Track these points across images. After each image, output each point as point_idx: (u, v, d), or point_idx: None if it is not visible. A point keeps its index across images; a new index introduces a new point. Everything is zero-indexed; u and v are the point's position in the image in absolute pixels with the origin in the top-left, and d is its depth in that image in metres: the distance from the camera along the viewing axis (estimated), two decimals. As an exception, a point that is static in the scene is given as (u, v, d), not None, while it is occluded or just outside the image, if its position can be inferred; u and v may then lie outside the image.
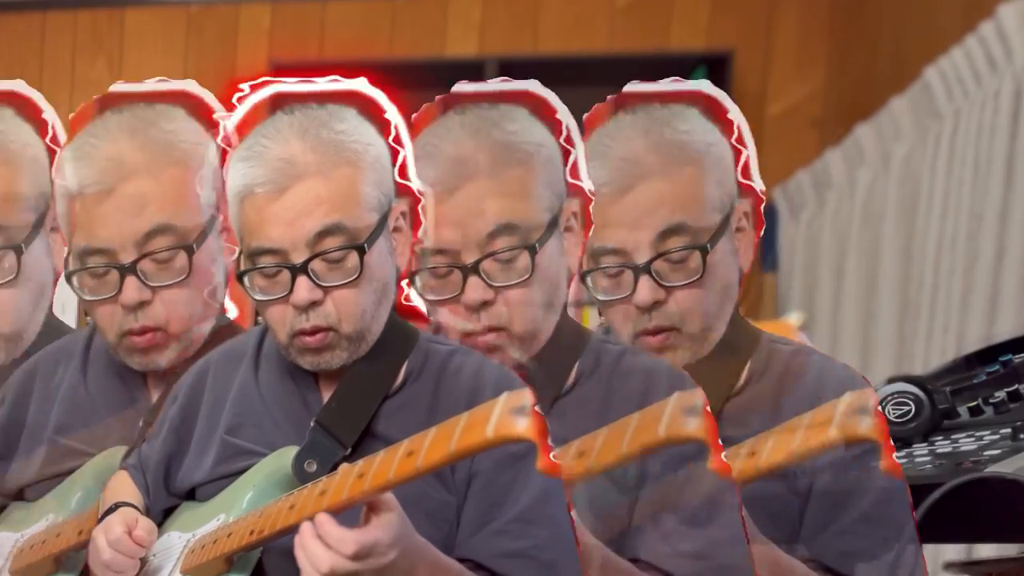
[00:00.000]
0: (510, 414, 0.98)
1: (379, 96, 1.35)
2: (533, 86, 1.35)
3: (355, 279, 1.26)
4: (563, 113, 1.33)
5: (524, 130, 1.30)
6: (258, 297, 1.30)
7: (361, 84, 1.34)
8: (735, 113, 1.33)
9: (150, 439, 1.46)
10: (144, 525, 1.35)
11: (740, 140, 1.32)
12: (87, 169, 1.26)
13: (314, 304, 1.26)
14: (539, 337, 1.30)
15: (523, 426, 0.97)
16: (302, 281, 1.25)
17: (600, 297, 1.29)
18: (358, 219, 1.26)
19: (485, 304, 1.27)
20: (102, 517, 1.38)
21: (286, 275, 1.26)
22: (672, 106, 1.30)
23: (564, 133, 1.33)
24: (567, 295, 1.33)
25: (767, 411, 1.27)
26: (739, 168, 1.31)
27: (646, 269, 1.25)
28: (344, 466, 1.18)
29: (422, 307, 1.37)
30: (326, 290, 1.26)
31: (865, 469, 1.23)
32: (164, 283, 1.26)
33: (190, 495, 1.42)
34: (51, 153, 1.45)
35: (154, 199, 1.25)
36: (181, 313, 1.27)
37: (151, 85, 1.37)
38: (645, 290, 1.25)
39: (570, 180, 1.30)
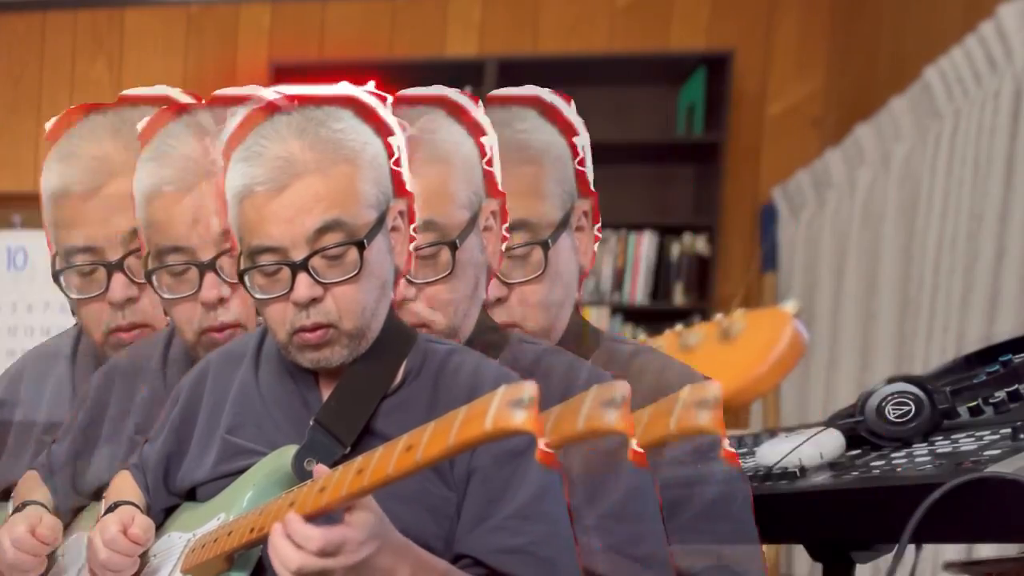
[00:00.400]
0: (508, 407, 0.97)
1: (375, 102, 1.35)
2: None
3: (355, 275, 1.26)
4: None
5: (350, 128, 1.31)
6: (258, 296, 1.30)
7: (358, 90, 1.34)
8: (388, 115, 1.35)
9: (152, 439, 1.46)
10: (140, 523, 1.35)
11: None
12: (256, 168, 1.27)
13: (314, 301, 1.27)
14: (367, 335, 1.30)
15: (521, 418, 0.96)
16: (302, 278, 1.26)
17: (258, 296, 1.30)
18: (357, 216, 1.27)
19: (314, 301, 1.28)
20: (102, 516, 1.39)
21: (286, 273, 1.27)
22: (326, 107, 1.32)
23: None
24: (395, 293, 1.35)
25: (423, 408, 1.28)
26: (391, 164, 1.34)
27: (303, 266, 1.26)
28: (318, 467, 1.18)
29: None
30: (326, 287, 1.27)
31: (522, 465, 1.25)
32: (335, 279, 1.27)
33: (190, 495, 1.42)
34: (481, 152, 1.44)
35: (325, 196, 1.25)
36: (353, 309, 1.27)
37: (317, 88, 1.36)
38: (303, 287, 1.27)
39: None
